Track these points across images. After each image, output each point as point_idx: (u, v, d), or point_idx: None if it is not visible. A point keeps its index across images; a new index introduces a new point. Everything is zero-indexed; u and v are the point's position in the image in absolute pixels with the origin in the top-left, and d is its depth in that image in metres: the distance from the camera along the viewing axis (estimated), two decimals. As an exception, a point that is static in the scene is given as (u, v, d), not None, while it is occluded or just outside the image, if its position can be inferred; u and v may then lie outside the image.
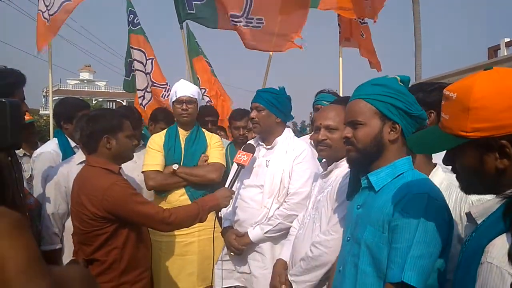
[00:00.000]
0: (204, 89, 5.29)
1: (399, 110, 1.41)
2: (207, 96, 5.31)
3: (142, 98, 4.88)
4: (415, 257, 1.25)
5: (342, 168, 1.87)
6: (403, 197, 1.32)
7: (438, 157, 1.84)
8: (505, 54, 13.11)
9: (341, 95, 3.94)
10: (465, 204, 1.50)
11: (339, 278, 1.51)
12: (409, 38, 14.92)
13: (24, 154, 3.70)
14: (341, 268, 1.50)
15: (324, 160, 2.05)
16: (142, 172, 2.81)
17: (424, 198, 1.29)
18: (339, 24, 4.81)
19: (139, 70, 4.82)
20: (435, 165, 1.67)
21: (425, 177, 1.42)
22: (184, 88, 2.90)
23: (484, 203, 1.05)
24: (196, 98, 2.89)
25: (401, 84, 1.45)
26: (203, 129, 3.03)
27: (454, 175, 1.57)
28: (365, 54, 4.95)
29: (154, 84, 4.78)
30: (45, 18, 4.15)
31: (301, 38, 4.28)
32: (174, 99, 2.89)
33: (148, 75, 4.79)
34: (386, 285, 1.30)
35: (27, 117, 4.02)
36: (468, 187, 1.08)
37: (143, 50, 4.76)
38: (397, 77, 1.46)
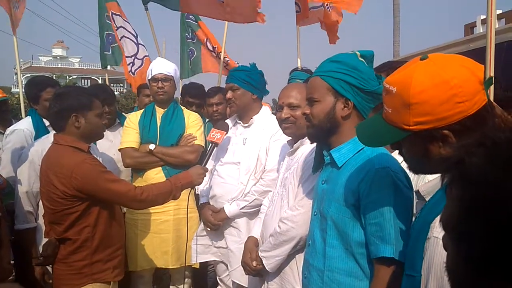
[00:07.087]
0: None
1: (352, 86, 1.42)
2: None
3: (131, 64, 4.68)
4: (394, 230, 1.27)
5: (308, 145, 1.89)
6: (366, 172, 1.34)
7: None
8: (481, 31, 13.29)
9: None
10: (422, 181, 1.51)
11: (309, 252, 1.55)
12: (388, 15, 14.94)
13: None
14: (310, 242, 1.54)
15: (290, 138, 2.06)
16: (119, 149, 2.78)
17: (387, 173, 1.32)
18: (296, 3, 4.27)
19: (126, 37, 4.62)
20: None
21: (384, 151, 1.44)
22: (159, 66, 2.82)
23: (431, 181, 1.09)
24: (172, 76, 2.82)
25: (361, 59, 1.45)
26: (182, 107, 2.96)
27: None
28: (326, 27, 4.40)
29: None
30: None
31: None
32: (150, 77, 2.83)
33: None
34: (374, 261, 1.32)
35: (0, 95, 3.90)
36: (416, 168, 1.12)
37: (121, 15, 4.58)
38: (357, 52, 1.46)
